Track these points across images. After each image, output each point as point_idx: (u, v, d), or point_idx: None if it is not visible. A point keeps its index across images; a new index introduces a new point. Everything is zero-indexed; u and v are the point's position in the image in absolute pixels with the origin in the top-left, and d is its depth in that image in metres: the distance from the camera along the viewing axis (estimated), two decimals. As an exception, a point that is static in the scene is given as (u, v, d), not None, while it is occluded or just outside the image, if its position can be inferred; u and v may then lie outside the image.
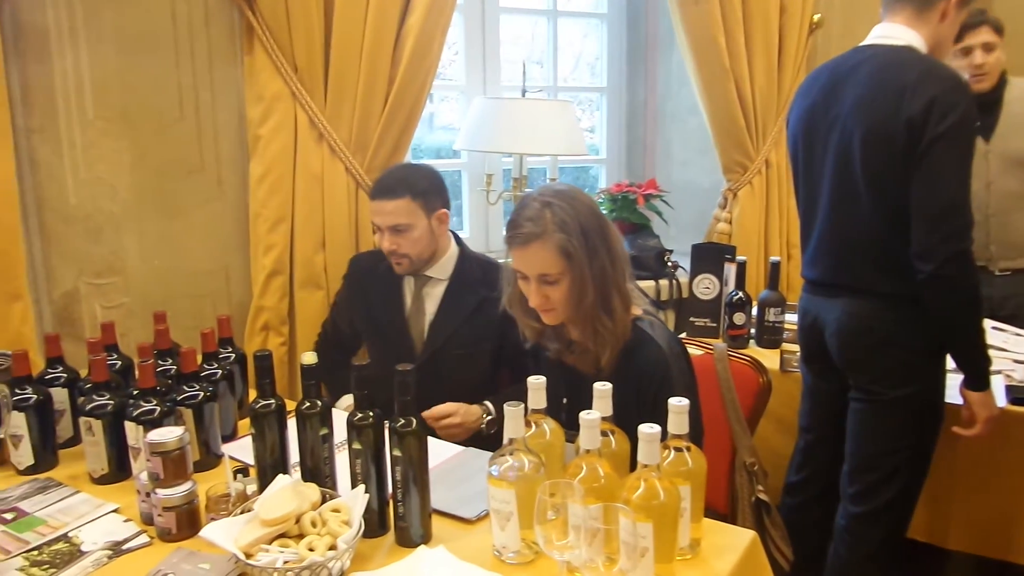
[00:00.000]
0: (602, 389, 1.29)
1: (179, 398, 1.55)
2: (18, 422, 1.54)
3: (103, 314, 2.17)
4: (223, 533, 1.21)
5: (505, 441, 1.27)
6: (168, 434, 1.34)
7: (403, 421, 1.28)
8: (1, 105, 1.97)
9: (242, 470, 1.48)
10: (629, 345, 1.56)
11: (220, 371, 1.69)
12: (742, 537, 1.35)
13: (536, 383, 1.33)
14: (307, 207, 2.26)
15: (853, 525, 1.89)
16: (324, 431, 1.38)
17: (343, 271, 2.25)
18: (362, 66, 2.25)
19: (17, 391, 1.55)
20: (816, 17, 3.17)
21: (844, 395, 1.90)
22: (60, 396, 1.66)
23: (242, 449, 1.66)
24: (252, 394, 1.90)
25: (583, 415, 1.21)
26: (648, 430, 1.15)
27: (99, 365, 1.54)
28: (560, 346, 1.63)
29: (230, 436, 1.72)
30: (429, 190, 1.98)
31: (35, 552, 1.30)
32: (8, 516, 1.41)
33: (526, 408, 1.26)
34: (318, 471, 1.38)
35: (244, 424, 1.79)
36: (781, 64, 3.08)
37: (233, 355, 1.79)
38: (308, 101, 2.23)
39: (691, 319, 2.57)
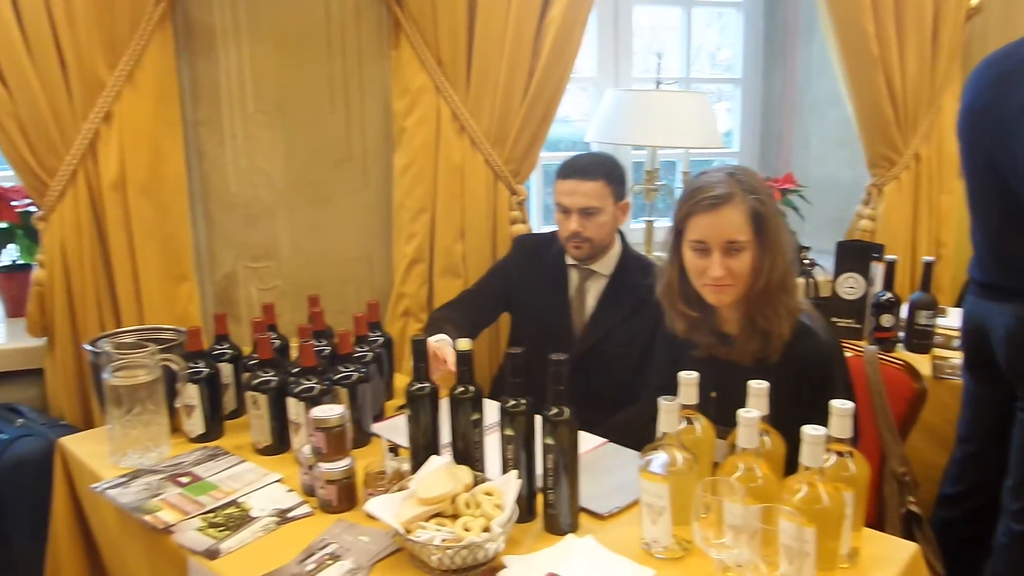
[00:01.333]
0: (758, 388, 1.27)
1: (335, 378, 1.62)
2: (191, 393, 1.66)
3: (258, 296, 2.31)
4: (385, 508, 1.26)
5: (658, 435, 1.26)
6: (330, 411, 1.41)
7: (556, 410, 1.29)
8: (173, 100, 2.12)
9: (392, 449, 1.54)
10: (791, 336, 1.51)
11: (370, 353, 1.76)
12: (903, 550, 1.30)
13: (689, 378, 1.32)
14: (448, 197, 2.32)
15: (1015, 544, 1.78)
16: (476, 416, 1.41)
17: (481, 260, 2.30)
18: (504, 59, 2.29)
19: (191, 365, 1.67)
20: (975, 1, 2.96)
21: (1010, 404, 1.79)
22: (226, 371, 1.78)
23: (390, 429, 1.72)
24: (396, 377, 1.98)
25: (742, 413, 1.19)
26: (813, 432, 1.12)
27: (264, 344, 1.64)
28: (713, 339, 1.60)
29: (378, 416, 1.79)
30: (621, 178, 2.02)
31: (211, 514, 1.40)
32: (184, 480, 1.52)
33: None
34: (469, 454, 1.42)
35: (390, 405, 1.87)
36: (935, 52, 2.90)
37: (381, 338, 1.86)
38: (451, 94, 2.28)
39: (832, 319, 2.47)
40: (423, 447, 1.44)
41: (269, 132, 2.28)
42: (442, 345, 1.75)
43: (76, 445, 1.71)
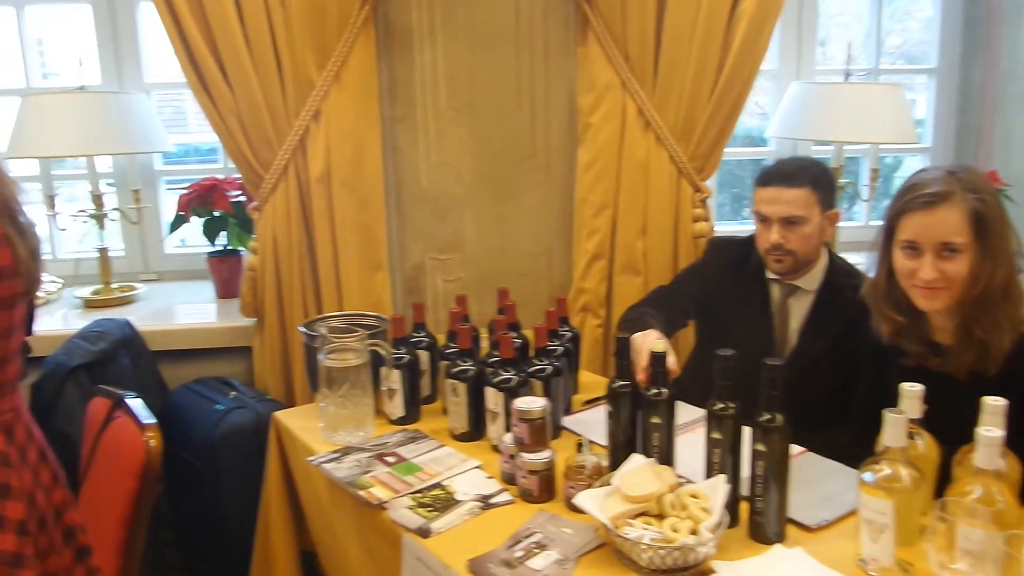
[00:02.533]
0: (995, 405, 1.18)
1: (530, 370, 1.66)
2: (395, 378, 1.75)
3: (443, 287, 2.40)
4: (591, 503, 1.28)
5: (880, 448, 1.21)
6: (533, 403, 1.45)
7: (768, 416, 1.27)
8: (374, 98, 2.24)
9: (583, 444, 1.56)
10: (1011, 349, 1.41)
11: (561, 347, 1.79)
12: None
13: (912, 391, 1.25)
14: (631, 194, 2.31)
15: None
16: (669, 418, 1.41)
17: (662, 258, 2.28)
18: (692, 54, 2.25)
19: (395, 351, 1.76)
20: None
21: None
22: (423, 358, 1.86)
23: (579, 423, 1.75)
24: (581, 373, 2.00)
25: (983, 432, 1.12)
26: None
27: (465, 334, 1.70)
28: (923, 349, 1.51)
29: (566, 410, 1.82)
30: (829, 184, 1.85)
31: (419, 494, 1.48)
32: (390, 459, 1.61)
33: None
34: (664, 455, 1.42)
35: (576, 399, 1.89)
36: None
37: (569, 333, 1.88)
38: (637, 90, 2.27)
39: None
40: (622, 444, 1.45)
41: (459, 128, 2.36)
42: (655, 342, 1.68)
43: (289, 419, 1.85)
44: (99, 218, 2.48)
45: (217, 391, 2.20)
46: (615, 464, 1.42)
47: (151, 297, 2.56)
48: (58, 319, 2.37)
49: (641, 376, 1.48)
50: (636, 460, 1.38)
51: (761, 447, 1.28)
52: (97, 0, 2.55)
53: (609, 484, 1.35)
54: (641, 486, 1.29)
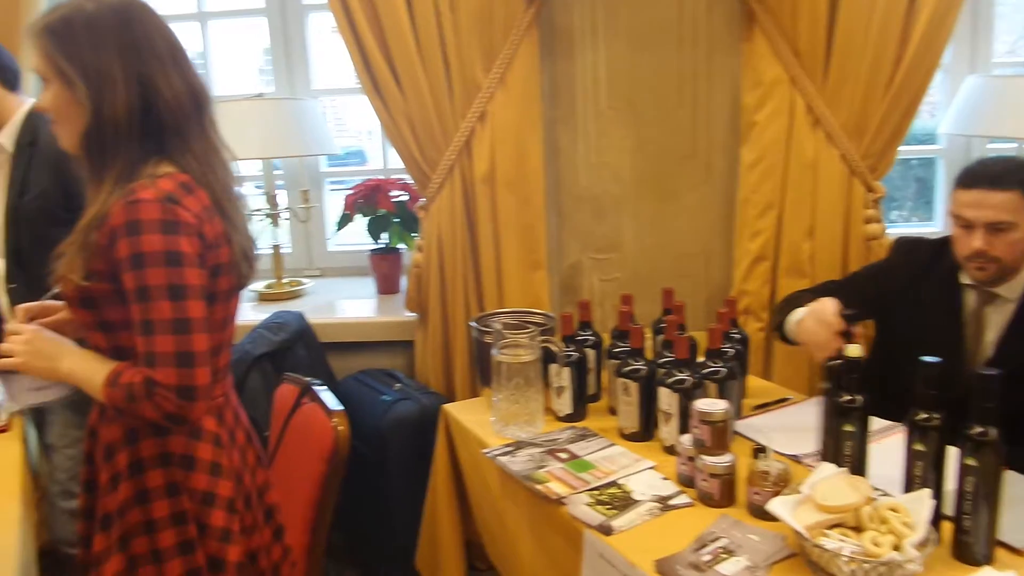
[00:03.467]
0: None
1: (704, 372, 1.64)
2: (564, 375, 1.77)
3: (599, 286, 2.41)
4: (784, 509, 1.25)
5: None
6: (715, 406, 1.43)
7: (981, 429, 1.19)
8: (536, 99, 2.27)
9: (761, 449, 1.52)
10: None
11: (732, 350, 1.75)
12: None
13: None
14: (798, 194, 2.24)
15: None
16: (862, 427, 1.35)
17: (831, 260, 2.19)
18: (868, 47, 2.14)
19: (565, 348, 1.78)
20: None
21: None
22: (589, 356, 1.86)
23: (750, 428, 1.71)
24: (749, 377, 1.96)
25: None
26: None
27: (636, 333, 1.70)
28: None
29: (737, 414, 1.78)
30: None
31: (596, 492, 1.48)
32: (563, 456, 1.63)
33: None
34: (856, 465, 1.36)
35: (746, 404, 1.85)
36: None
37: (739, 335, 1.84)
38: (807, 86, 2.19)
39: None
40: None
41: (619, 128, 2.35)
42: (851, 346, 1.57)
43: (458, 412, 1.90)
44: (274, 217, 2.64)
45: (383, 383, 2.29)
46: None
47: (316, 292, 2.70)
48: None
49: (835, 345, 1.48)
50: (827, 469, 1.33)
51: (972, 462, 1.20)
52: (272, 13, 2.72)
53: (798, 492, 1.31)
54: (837, 496, 1.24)
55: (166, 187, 1.19)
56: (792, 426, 1.71)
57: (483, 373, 1.91)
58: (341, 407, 1.60)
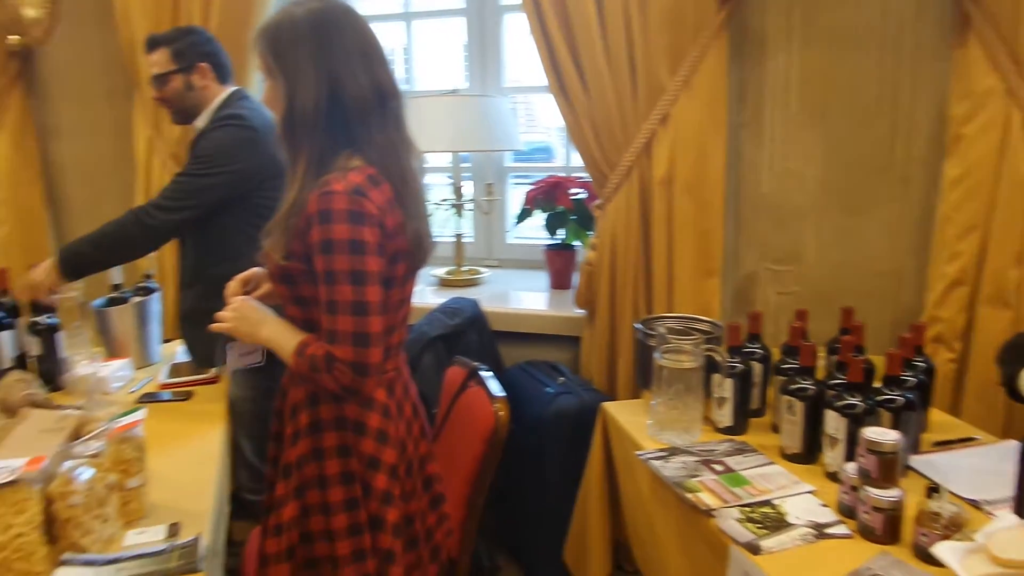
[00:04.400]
0: None
1: (878, 399, 1.55)
2: (727, 386, 1.74)
3: (775, 299, 2.33)
4: (952, 555, 1.17)
5: None
6: (885, 435, 1.35)
7: None
8: (722, 103, 2.23)
9: (935, 488, 1.41)
10: None
11: (914, 379, 1.64)
12: None
13: None
14: (1007, 215, 2.03)
15: None
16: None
17: (1043, 291, 1.98)
18: (1110, 56, 1.91)
19: (729, 359, 1.74)
20: None
21: None
22: (756, 370, 1.82)
23: (927, 465, 1.59)
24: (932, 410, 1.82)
25: None
26: None
27: (808, 351, 1.63)
28: None
29: (914, 448, 1.67)
30: None
31: (747, 508, 1.45)
32: (718, 468, 1.60)
33: None
34: (1049, 519, 1.24)
35: (925, 438, 1.72)
36: None
37: (924, 364, 1.72)
38: (1028, 98, 1.99)
39: None
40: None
41: (808, 135, 2.26)
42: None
43: (617, 411, 1.92)
44: (458, 207, 2.78)
45: (547, 374, 2.35)
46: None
47: (492, 282, 2.81)
48: (418, 294, 2.70)
49: None
50: (1008, 519, 1.23)
51: None
52: (470, 13, 2.85)
53: (971, 539, 1.21)
54: (1018, 550, 1.14)
55: (355, 180, 1.31)
56: (976, 468, 1.58)
57: (644, 375, 1.92)
58: (504, 394, 1.68)
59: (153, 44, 2.13)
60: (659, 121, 2.22)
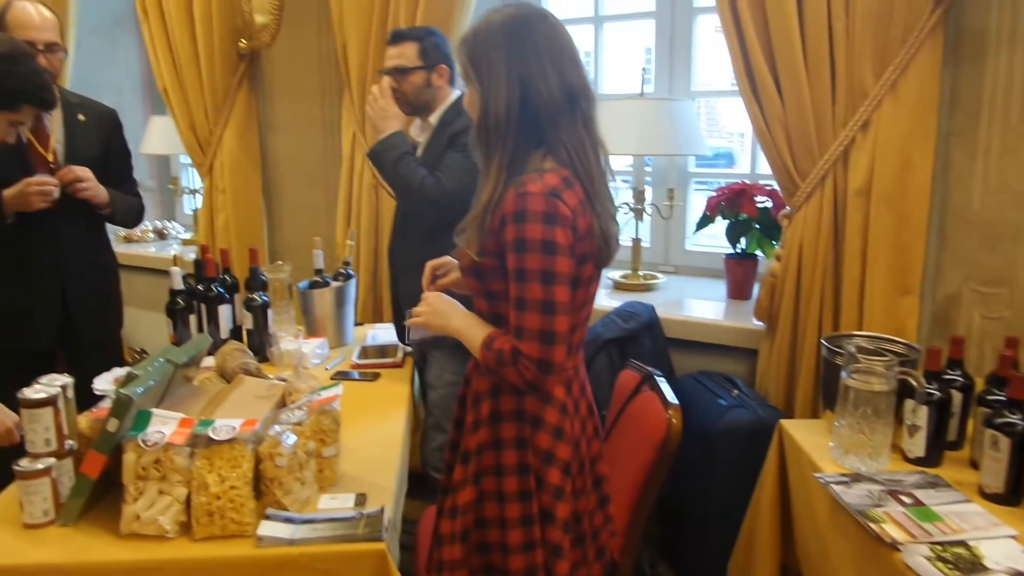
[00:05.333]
0: None
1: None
2: (921, 414, 1.63)
3: (980, 323, 2.14)
4: None
5: None
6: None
7: None
8: (932, 109, 2.07)
9: None
10: None
11: None
12: None
13: None
14: None
15: None
16: None
17: None
18: None
19: (926, 385, 1.63)
20: None
21: None
22: (954, 398, 1.69)
23: None
24: None
25: None
26: None
27: (1018, 382, 1.49)
28: None
29: None
30: None
31: (939, 547, 1.35)
32: (907, 500, 1.50)
33: None
34: None
35: None
36: None
37: None
38: None
39: None
40: None
41: (1032, 147, 2.05)
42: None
43: (795, 430, 1.85)
44: (638, 212, 2.77)
45: (721, 386, 2.30)
46: None
47: (668, 288, 2.78)
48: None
49: None
50: None
51: None
52: (660, 15, 2.83)
53: None
54: None
55: (551, 182, 1.35)
56: None
57: (828, 395, 1.83)
58: (677, 401, 1.66)
59: (400, 38, 2.25)
60: (859, 127, 2.10)
